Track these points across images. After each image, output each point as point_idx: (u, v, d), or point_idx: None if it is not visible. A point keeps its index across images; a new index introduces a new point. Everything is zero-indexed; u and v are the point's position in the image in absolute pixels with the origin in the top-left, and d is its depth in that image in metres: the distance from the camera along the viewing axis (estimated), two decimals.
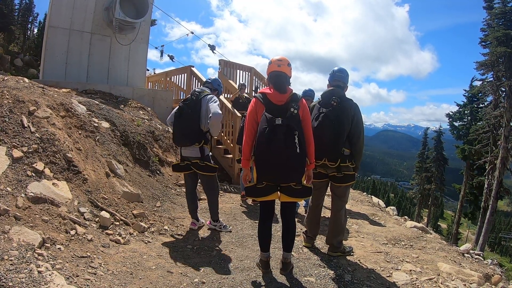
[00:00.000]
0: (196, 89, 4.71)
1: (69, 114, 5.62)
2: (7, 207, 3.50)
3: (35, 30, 24.28)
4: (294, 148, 3.14)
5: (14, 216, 3.47)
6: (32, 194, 3.88)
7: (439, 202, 30.45)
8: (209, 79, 4.93)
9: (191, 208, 4.95)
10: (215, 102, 4.42)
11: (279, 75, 3.39)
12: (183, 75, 11.17)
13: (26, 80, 6.27)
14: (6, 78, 5.90)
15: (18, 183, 3.91)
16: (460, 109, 26.56)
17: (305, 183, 3.43)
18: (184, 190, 6.27)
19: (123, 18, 8.95)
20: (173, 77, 11.82)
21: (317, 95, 4.51)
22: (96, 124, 5.97)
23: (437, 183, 28.27)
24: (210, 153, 4.75)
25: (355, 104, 3.95)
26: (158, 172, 6.54)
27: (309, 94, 6.02)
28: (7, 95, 4.95)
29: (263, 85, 12.76)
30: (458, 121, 26.88)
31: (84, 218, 4.14)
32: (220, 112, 4.35)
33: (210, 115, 4.27)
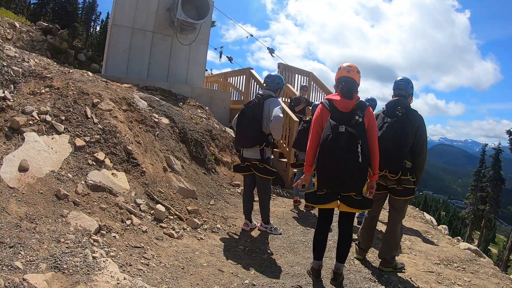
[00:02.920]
0: (259, 92, 4.73)
1: (130, 108, 5.74)
2: (67, 192, 3.57)
3: (98, 28, 25.79)
4: (356, 157, 3.02)
5: (73, 202, 3.54)
6: (91, 182, 3.95)
7: (492, 224, 28.10)
8: (269, 77, 4.75)
9: (246, 209, 4.87)
10: (278, 105, 4.38)
11: (348, 81, 3.30)
12: (241, 76, 11.12)
13: (90, 73, 6.51)
14: (71, 71, 6.15)
15: (79, 171, 4.01)
16: None
17: (366, 194, 3.27)
18: (238, 190, 6.20)
19: (184, 19, 9.13)
20: (231, 78, 11.83)
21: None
22: (156, 120, 6.04)
23: (492, 204, 26.06)
24: (271, 156, 4.68)
25: (420, 116, 3.79)
26: (213, 170, 6.50)
27: (370, 103, 5.74)
28: (72, 86, 5.14)
29: (324, 92, 12.46)
30: None
31: (140, 210, 4.16)
32: (282, 116, 4.32)
33: (272, 118, 4.24)
